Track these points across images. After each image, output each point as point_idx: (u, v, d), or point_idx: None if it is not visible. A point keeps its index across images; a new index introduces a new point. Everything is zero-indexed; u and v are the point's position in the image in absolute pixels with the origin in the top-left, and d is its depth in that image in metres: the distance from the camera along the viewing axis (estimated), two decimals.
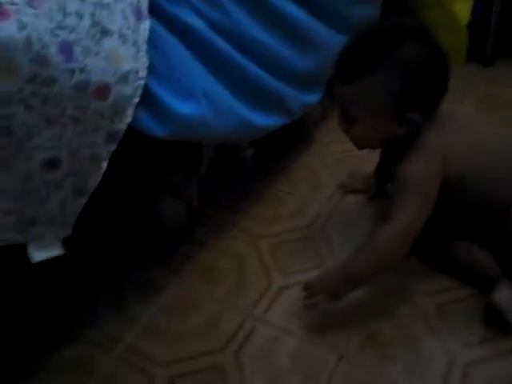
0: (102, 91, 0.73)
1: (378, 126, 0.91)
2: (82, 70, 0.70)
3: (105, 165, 0.80)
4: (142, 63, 0.78)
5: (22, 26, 0.63)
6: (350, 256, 0.97)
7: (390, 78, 0.85)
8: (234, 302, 1.07)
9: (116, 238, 1.18)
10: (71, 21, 0.70)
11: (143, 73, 0.78)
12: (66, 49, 0.69)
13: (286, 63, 1.13)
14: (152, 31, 0.81)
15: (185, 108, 0.86)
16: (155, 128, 0.85)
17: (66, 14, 0.69)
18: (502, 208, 0.93)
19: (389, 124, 0.90)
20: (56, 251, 0.81)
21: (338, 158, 1.45)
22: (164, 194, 1.16)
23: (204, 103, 0.90)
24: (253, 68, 1.04)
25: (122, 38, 0.76)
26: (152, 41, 0.81)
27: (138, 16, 0.79)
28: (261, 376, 0.92)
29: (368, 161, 1.33)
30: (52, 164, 0.73)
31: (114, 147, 0.79)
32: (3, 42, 0.61)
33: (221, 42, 0.95)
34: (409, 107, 0.87)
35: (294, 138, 1.51)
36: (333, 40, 1.25)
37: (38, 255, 0.79)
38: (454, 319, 0.98)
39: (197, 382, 0.93)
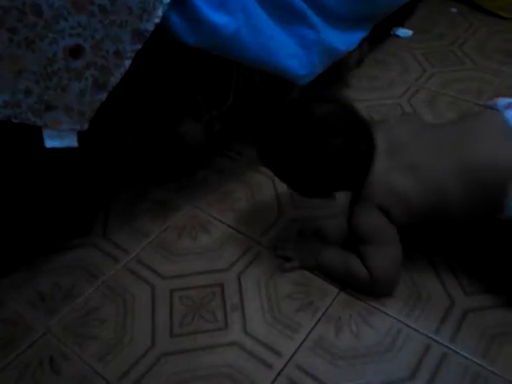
0: None
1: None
2: None
3: (127, 63, 0.79)
4: None
5: None
6: (337, 252, 0.96)
7: (299, 169, 0.86)
8: (244, 227, 1.08)
9: (137, 153, 1.19)
10: None
11: None
12: None
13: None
14: None
15: (219, 18, 0.84)
16: (185, 33, 0.83)
17: None
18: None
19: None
20: (69, 142, 0.83)
21: (369, 105, 1.42)
22: (186, 115, 1.16)
23: (240, 18, 0.88)
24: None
25: None
26: None
27: None
28: (260, 298, 0.94)
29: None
30: (75, 51, 0.74)
31: (138, 47, 0.79)
32: None
33: None
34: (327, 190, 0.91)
35: (329, 81, 1.48)
36: None
37: (51, 142, 0.81)
38: (460, 270, 0.96)
39: (195, 297, 0.95)
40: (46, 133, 0.78)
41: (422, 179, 0.84)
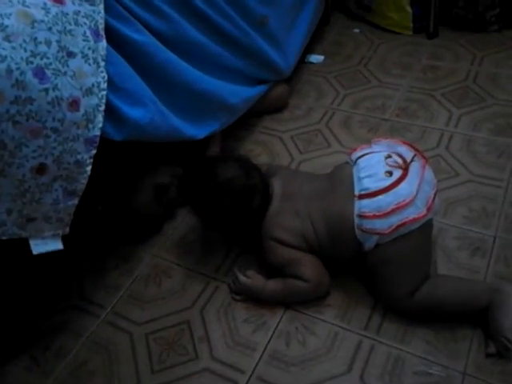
0: (74, 104, 0.90)
1: None
2: (54, 89, 0.86)
3: (89, 169, 0.96)
4: (102, 77, 0.94)
5: (2, 59, 0.80)
6: (276, 283, 1.13)
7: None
8: (200, 267, 1.26)
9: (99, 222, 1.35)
10: (42, 48, 0.86)
11: (104, 85, 0.95)
12: (40, 72, 0.85)
13: (219, 60, 1.32)
14: (106, 49, 0.98)
15: (136, 112, 1.04)
16: (113, 133, 1.02)
17: (36, 43, 0.85)
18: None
19: None
20: (55, 246, 0.99)
21: (293, 134, 1.63)
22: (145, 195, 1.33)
23: (152, 108, 1.08)
24: (191, 71, 1.22)
25: (85, 57, 0.92)
26: (108, 57, 0.97)
27: (97, 36, 0.95)
28: (221, 327, 1.12)
29: None
30: (41, 169, 0.90)
31: (94, 152, 0.96)
32: None
33: (162, 51, 1.14)
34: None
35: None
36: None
37: (38, 249, 0.97)
38: None
39: (167, 336, 1.13)
40: (32, 242, 0.94)
41: (302, 223, 1.10)
